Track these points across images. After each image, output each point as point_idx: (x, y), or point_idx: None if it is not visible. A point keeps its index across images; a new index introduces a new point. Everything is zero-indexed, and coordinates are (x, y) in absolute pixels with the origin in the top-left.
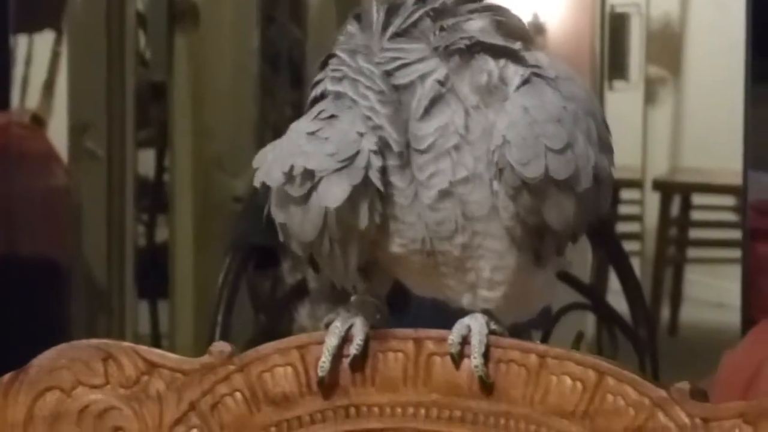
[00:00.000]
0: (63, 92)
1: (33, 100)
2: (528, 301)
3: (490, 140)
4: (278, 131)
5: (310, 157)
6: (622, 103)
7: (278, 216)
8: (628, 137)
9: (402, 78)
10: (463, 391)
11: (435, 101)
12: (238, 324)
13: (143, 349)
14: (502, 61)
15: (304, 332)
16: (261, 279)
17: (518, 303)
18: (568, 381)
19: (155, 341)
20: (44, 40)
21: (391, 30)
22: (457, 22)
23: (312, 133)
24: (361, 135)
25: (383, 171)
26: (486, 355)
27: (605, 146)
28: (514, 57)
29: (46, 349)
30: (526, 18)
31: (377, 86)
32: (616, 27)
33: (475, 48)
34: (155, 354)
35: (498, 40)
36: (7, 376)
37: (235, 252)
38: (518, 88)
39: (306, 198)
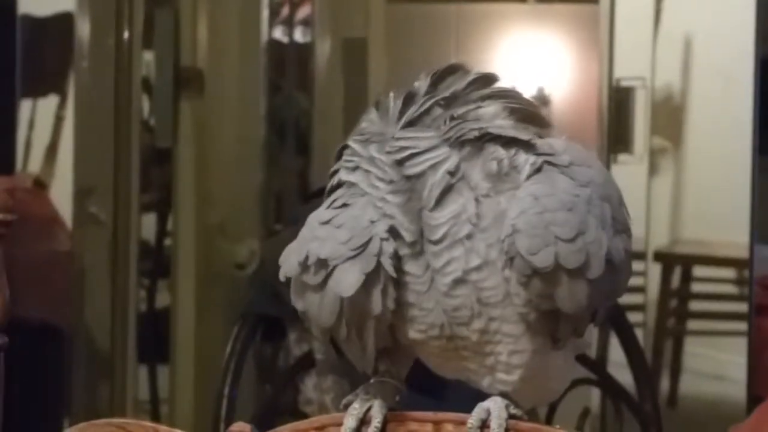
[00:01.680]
0: (68, 156)
1: (36, 164)
2: (547, 383)
3: (501, 228)
4: (282, 199)
5: (324, 245)
6: (626, 176)
7: (298, 303)
8: (631, 209)
9: (413, 167)
10: None
11: (446, 191)
12: (243, 393)
13: (164, 429)
14: (513, 149)
15: (310, 403)
16: (267, 349)
17: (537, 386)
18: None
19: (154, 406)
20: (48, 103)
21: (404, 119)
22: (468, 111)
23: (325, 222)
24: (373, 222)
25: (397, 258)
26: None
27: (622, 228)
28: (525, 145)
29: (49, 416)
30: (531, 91)
31: (388, 176)
32: (621, 100)
33: (486, 137)
34: None
35: (508, 129)
36: None
37: (244, 322)
38: (529, 176)
39: (322, 286)
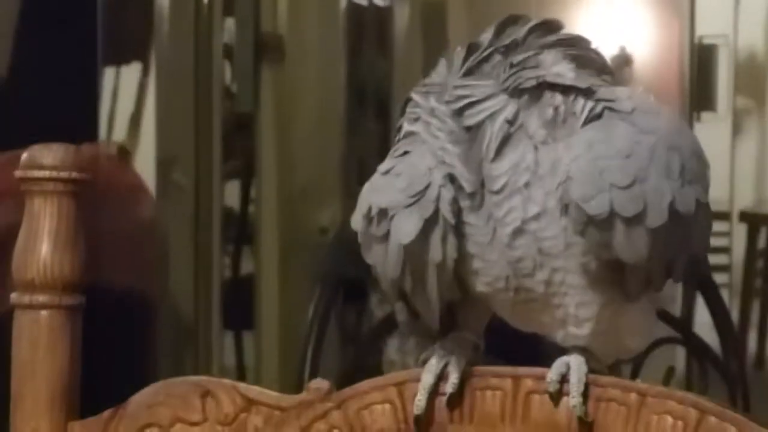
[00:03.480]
0: (150, 125)
1: (120, 133)
2: (623, 338)
3: (558, 176)
4: (364, 163)
5: (384, 194)
6: (710, 135)
7: (367, 258)
8: (714, 169)
9: (471, 117)
10: (562, 430)
11: (505, 140)
12: (326, 357)
13: (242, 386)
14: (572, 96)
15: (393, 366)
16: (350, 312)
17: (612, 341)
18: (669, 420)
19: (241, 373)
20: (131, 72)
21: (463, 69)
22: (527, 58)
23: (386, 172)
24: (431, 170)
25: (456, 205)
26: (585, 394)
27: (695, 179)
28: (584, 92)
29: (135, 383)
30: (613, 50)
31: (447, 126)
32: (703, 58)
33: (543, 85)
34: (254, 391)
35: (566, 77)
36: (107, 413)
37: (325, 285)
38: (586, 122)
39: (385, 236)
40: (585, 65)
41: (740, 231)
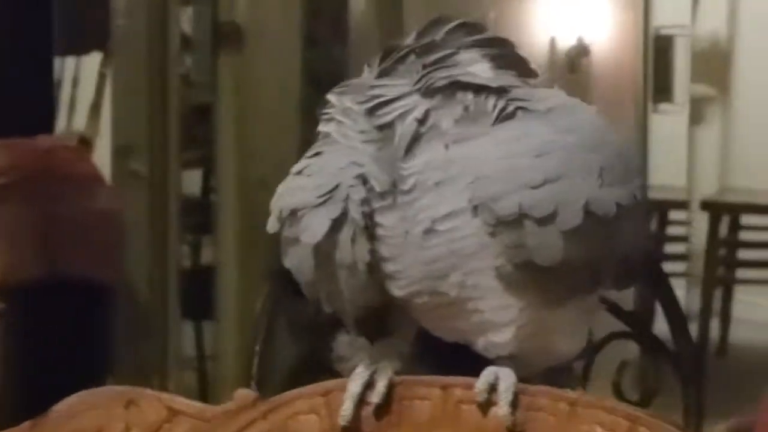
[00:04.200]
0: (107, 114)
1: (80, 122)
2: (552, 343)
3: (468, 175)
4: None
5: (294, 196)
6: (668, 125)
7: (285, 261)
8: (673, 158)
9: (382, 117)
10: None
11: (415, 139)
12: (277, 352)
13: (165, 396)
14: (484, 95)
15: (342, 361)
16: (301, 306)
17: (540, 346)
18: (599, 430)
19: (200, 362)
20: (91, 61)
21: (379, 69)
22: (442, 57)
23: (298, 173)
24: (342, 169)
25: (367, 206)
26: (514, 403)
27: (618, 182)
28: (496, 91)
29: (91, 372)
30: (571, 41)
31: (359, 125)
32: (660, 49)
33: (455, 85)
34: (177, 401)
35: (478, 77)
36: (27, 423)
37: (275, 278)
38: (498, 122)
39: (297, 238)
40: (505, 66)
41: (701, 220)
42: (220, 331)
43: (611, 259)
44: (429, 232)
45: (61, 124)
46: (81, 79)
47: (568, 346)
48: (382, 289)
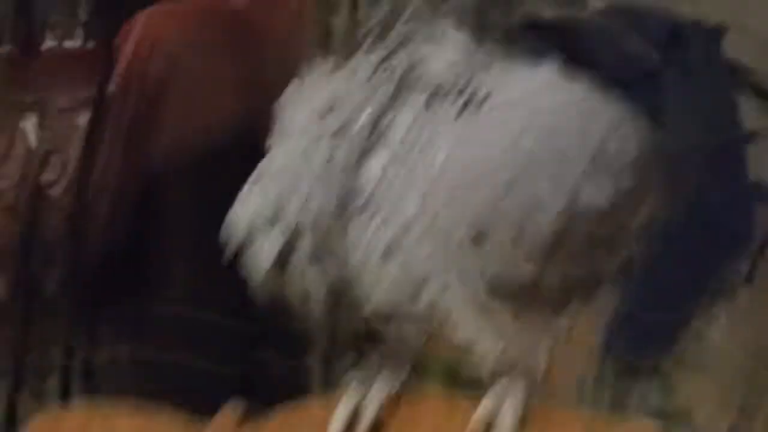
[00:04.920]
0: None
1: None
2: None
3: (420, 190)
4: None
5: (243, 213)
6: None
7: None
8: None
9: (332, 121)
10: None
11: (366, 149)
12: None
13: None
14: (442, 89)
15: None
16: None
17: (531, 365)
18: None
19: None
20: None
21: (332, 63)
22: (403, 39)
23: (250, 186)
24: (290, 184)
25: (320, 225)
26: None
27: (603, 187)
28: (456, 83)
29: None
30: None
31: (310, 132)
32: None
33: (404, 83)
34: None
35: (432, 70)
36: None
37: None
38: (458, 117)
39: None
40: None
41: None
42: None
43: (596, 271)
44: (387, 254)
45: None
46: None
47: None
48: (349, 314)
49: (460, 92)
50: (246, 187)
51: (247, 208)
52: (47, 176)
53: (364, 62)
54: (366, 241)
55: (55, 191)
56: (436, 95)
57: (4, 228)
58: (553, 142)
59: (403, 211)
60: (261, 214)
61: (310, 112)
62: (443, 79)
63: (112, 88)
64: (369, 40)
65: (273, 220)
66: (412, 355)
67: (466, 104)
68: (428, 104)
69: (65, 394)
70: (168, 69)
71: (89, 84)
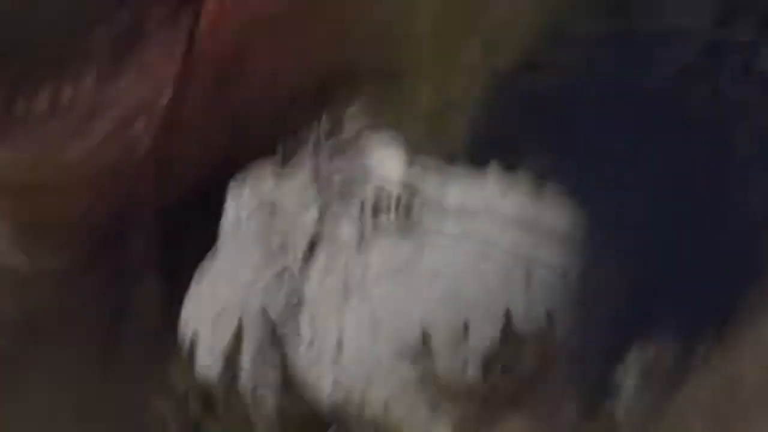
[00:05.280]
0: None
1: None
2: None
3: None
4: None
5: (192, 314)
6: None
7: None
8: None
9: (279, 223)
10: None
11: (312, 251)
12: None
13: None
14: (385, 198)
15: None
16: None
17: None
18: None
19: None
20: None
21: (281, 155)
22: (344, 143)
23: (197, 287)
24: (234, 286)
25: (268, 327)
26: None
27: (555, 281)
28: (398, 192)
29: None
30: None
31: (255, 227)
32: None
33: (346, 190)
34: None
35: (374, 177)
36: None
37: None
38: (399, 225)
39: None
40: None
41: None
42: None
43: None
44: (339, 352)
45: None
46: None
47: None
48: (309, 407)
49: (396, 207)
50: (192, 287)
51: (194, 309)
52: (137, 127)
53: (308, 164)
54: (319, 339)
55: (144, 142)
56: (373, 208)
57: (96, 180)
58: (486, 266)
59: (350, 316)
60: (206, 314)
61: (256, 210)
62: (384, 188)
63: (198, 42)
64: (313, 141)
65: (218, 322)
66: None
67: (405, 216)
68: (367, 213)
69: None
70: (251, 23)
71: (177, 39)
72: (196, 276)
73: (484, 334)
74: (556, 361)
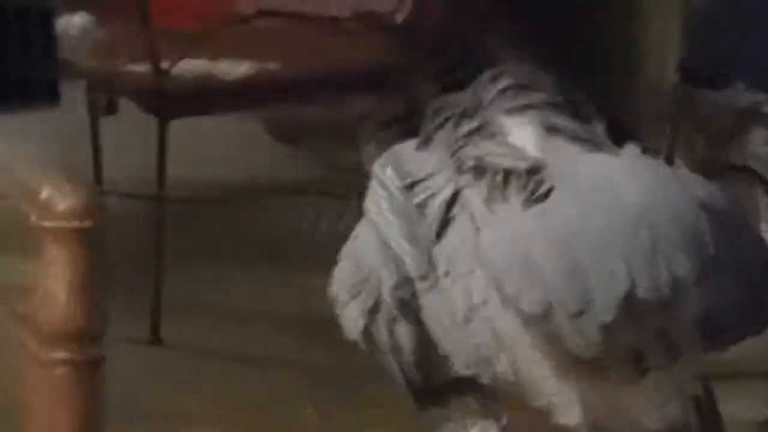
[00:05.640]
0: None
1: None
2: (635, 420)
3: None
4: None
5: (334, 283)
6: None
7: None
8: None
9: (417, 195)
10: None
11: (446, 222)
12: None
13: None
14: (514, 175)
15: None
16: None
17: (619, 424)
18: None
19: None
20: None
21: (421, 137)
22: (479, 127)
23: (341, 263)
24: (374, 253)
25: (405, 290)
26: None
27: (679, 253)
28: (527, 171)
29: None
30: None
31: (397, 202)
32: None
33: (480, 164)
34: None
35: (505, 157)
36: None
37: None
38: (528, 202)
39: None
40: (557, 130)
41: None
42: None
43: (682, 332)
44: (468, 319)
45: None
46: None
47: (657, 419)
48: (439, 370)
49: (525, 184)
50: (338, 264)
51: (337, 283)
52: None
53: (449, 141)
54: (450, 304)
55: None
56: (503, 184)
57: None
58: (608, 239)
59: (478, 285)
60: (347, 284)
61: (398, 188)
62: (518, 166)
63: None
64: (453, 120)
65: (357, 289)
66: (498, 411)
67: (532, 194)
68: (497, 191)
69: None
70: None
71: None
72: (341, 253)
73: (608, 304)
74: (681, 332)
